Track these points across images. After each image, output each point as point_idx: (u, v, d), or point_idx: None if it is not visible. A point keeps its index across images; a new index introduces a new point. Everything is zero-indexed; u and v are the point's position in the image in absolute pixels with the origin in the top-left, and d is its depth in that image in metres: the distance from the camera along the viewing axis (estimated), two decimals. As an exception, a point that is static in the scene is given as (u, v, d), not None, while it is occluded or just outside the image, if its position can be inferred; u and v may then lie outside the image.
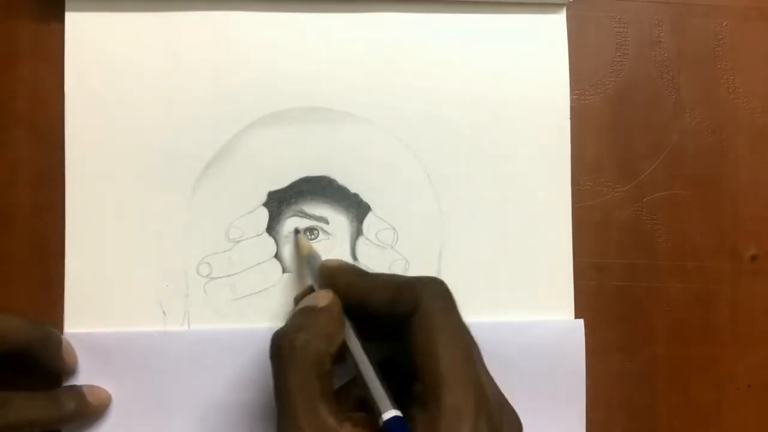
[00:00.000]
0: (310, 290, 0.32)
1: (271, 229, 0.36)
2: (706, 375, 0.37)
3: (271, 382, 0.27)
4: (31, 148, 0.35)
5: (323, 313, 0.28)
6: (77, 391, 0.33)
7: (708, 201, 0.38)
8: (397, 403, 0.27)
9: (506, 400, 0.29)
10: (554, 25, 0.37)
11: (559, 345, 0.36)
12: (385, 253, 0.36)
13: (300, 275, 0.35)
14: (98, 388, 0.33)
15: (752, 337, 0.38)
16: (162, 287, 0.35)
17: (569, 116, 0.37)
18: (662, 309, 0.37)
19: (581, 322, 0.36)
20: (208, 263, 0.35)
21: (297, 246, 0.35)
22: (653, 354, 0.37)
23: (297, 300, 0.32)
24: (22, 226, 0.35)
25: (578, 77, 0.37)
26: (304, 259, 0.34)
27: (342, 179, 0.36)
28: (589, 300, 0.37)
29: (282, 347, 0.27)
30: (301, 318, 0.29)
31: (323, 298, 0.29)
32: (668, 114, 0.38)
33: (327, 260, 0.32)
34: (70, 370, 0.33)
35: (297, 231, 0.35)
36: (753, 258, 0.38)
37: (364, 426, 0.27)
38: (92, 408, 0.33)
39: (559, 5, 0.37)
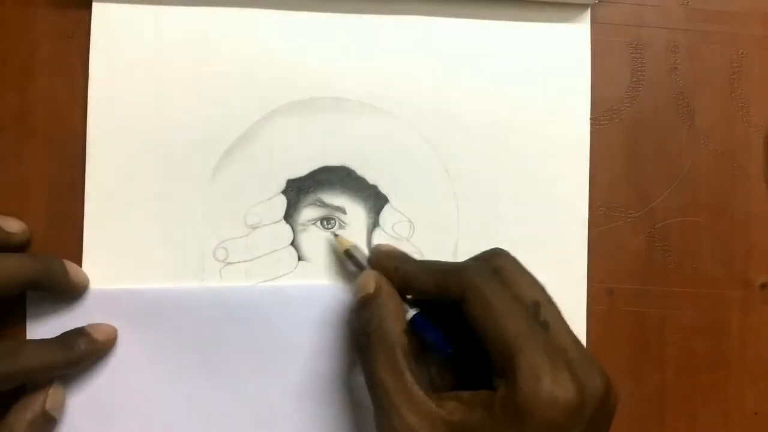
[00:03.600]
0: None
1: (289, 216, 0.36)
2: (714, 402, 0.37)
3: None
4: (53, 132, 0.35)
5: (378, 298, 0.30)
6: (83, 331, 0.33)
7: (720, 229, 0.38)
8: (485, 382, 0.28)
9: (588, 354, 0.28)
10: (577, 33, 0.37)
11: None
12: (401, 245, 0.35)
13: (326, 270, 0.36)
14: (102, 324, 0.33)
15: (760, 365, 0.38)
16: (178, 270, 0.35)
17: (589, 124, 0.37)
18: (672, 335, 0.37)
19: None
20: (224, 248, 0.35)
21: (338, 244, 0.35)
22: (662, 380, 0.37)
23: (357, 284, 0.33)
24: (42, 177, 0.34)
25: (594, 102, 0.37)
26: (346, 255, 0.34)
27: (361, 170, 0.36)
28: (599, 324, 0.37)
29: (359, 341, 0.30)
30: (362, 310, 0.31)
31: (369, 282, 0.31)
32: (682, 141, 0.38)
33: (379, 244, 0.34)
34: (83, 287, 0.34)
35: (335, 235, 0.35)
36: (763, 286, 0.38)
37: (459, 401, 0.28)
38: (101, 344, 0.33)
39: (583, 5, 0.37)
